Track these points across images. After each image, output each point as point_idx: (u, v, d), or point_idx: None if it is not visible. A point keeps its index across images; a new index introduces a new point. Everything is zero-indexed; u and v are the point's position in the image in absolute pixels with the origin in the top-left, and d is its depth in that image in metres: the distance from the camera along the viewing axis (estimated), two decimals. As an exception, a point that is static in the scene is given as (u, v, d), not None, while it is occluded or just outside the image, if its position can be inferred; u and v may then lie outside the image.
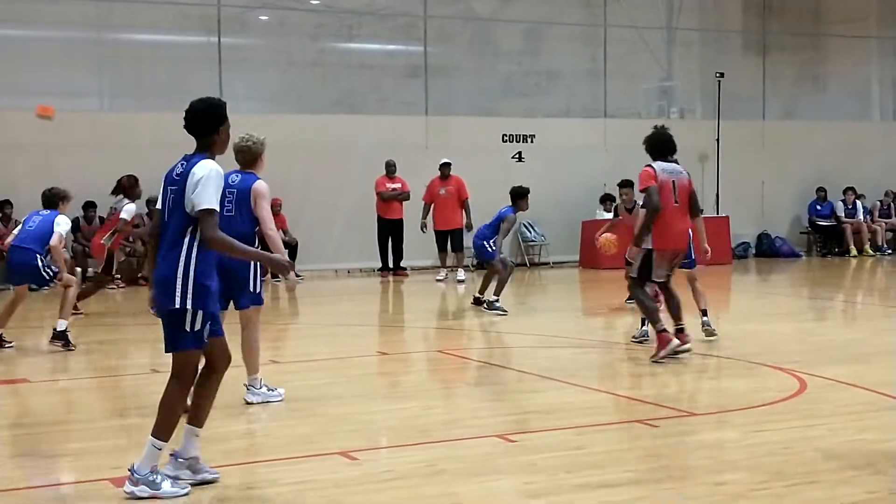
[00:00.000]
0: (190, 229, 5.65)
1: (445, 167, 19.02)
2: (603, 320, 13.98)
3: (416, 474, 6.12)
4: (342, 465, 6.39)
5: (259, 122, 19.86)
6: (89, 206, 18.39)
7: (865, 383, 8.69)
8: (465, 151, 19.81)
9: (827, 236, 23.88)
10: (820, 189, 23.70)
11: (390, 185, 19.42)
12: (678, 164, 10.28)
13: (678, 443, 7.03)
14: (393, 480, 6.03)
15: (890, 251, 23.87)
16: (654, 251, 9.94)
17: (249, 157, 8.04)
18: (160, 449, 5.72)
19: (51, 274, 11.14)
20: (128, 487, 5.66)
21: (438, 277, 19.05)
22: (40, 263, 11.06)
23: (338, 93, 20.66)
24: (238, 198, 7.83)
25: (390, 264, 19.79)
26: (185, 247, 5.64)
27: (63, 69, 19.04)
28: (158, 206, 5.86)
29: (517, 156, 21.72)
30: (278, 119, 19.63)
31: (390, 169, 19.50)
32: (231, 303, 7.95)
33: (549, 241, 21.77)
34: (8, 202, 18.18)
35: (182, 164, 5.79)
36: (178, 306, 5.64)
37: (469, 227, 19.15)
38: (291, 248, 18.46)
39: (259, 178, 7.98)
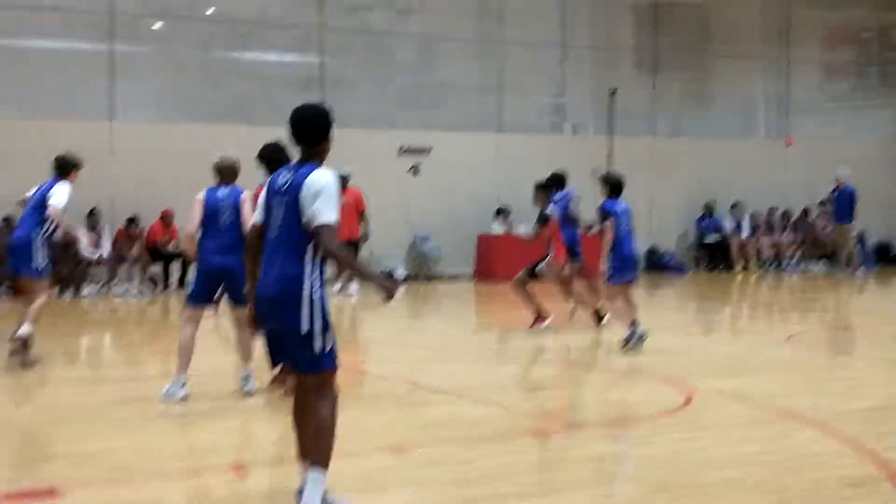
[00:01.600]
0: (310, 245, 5.34)
1: (342, 179, 18.98)
2: (496, 332, 14.09)
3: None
4: (230, 482, 6.34)
5: (150, 130, 19.70)
6: (-27, 214, 17.91)
7: (748, 396, 8.92)
8: (360, 164, 19.78)
9: (713, 251, 24.42)
10: (706, 205, 24.25)
11: (285, 197, 19.29)
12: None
13: (565, 456, 7.14)
14: (282, 495, 6.00)
15: (774, 266, 24.51)
16: None
17: (233, 172, 9.04)
18: (324, 476, 5.45)
19: (39, 267, 10.08)
20: None
21: (334, 289, 18.96)
22: (37, 241, 10.03)
23: (230, 103, 20.46)
24: (232, 209, 8.82)
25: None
26: (307, 265, 5.35)
27: (-54, 74, 18.53)
28: (258, 219, 5.57)
29: (413, 169, 21.79)
30: (170, 128, 19.42)
31: (285, 180, 19.37)
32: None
33: (444, 253, 21.85)
34: None
35: (288, 174, 5.44)
36: (305, 331, 5.35)
37: (366, 237, 19.14)
38: (178, 256, 18.24)
39: (243, 190, 8.92)
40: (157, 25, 20.69)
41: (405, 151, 21.56)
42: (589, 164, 22.31)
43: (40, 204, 10.17)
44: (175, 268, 18.88)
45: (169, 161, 18.51)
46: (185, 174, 18.21)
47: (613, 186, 11.97)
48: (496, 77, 23.06)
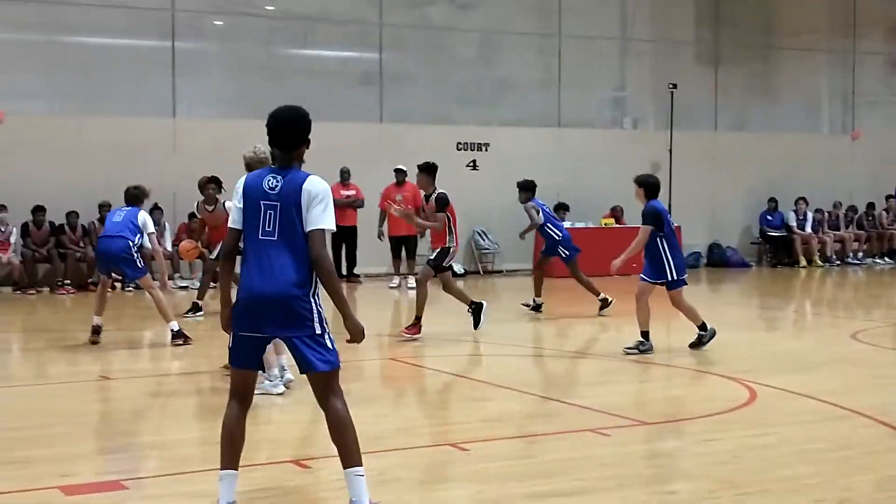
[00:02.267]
0: (306, 250, 5.31)
1: (400, 173, 19.04)
2: (555, 328, 14.03)
3: (368, 482, 6.08)
4: (294, 473, 6.36)
5: (212, 127, 19.85)
6: (38, 210, 18.19)
7: (814, 393, 8.79)
8: (419, 159, 19.66)
9: (777, 247, 24.13)
10: (771, 199, 23.96)
11: (344, 192, 19.38)
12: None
13: (629, 452, 7.07)
14: (345, 489, 5.99)
15: (838, 262, 24.17)
16: None
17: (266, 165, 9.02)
18: (364, 475, 5.40)
19: (141, 265, 11.86)
20: None
21: (391, 285, 19.04)
22: (133, 250, 11.78)
23: (291, 99, 20.07)
24: None
25: (344, 271, 19.75)
26: (308, 268, 5.31)
27: (12, 71, 18.78)
28: (236, 223, 5.42)
29: (472, 164, 21.77)
30: (231, 124, 19.54)
31: (344, 176, 19.48)
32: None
33: (502, 249, 21.81)
34: (-44, 205, 17.95)
35: (275, 179, 5.36)
36: (319, 332, 5.35)
37: (422, 233, 19.15)
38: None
39: None
40: (219, 22, 20.86)
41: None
42: (649, 160, 22.21)
43: (129, 225, 11.80)
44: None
45: (230, 157, 18.47)
46: (246, 170, 18.41)
47: (653, 187, 11.31)
48: (556, 71, 22.96)
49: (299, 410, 8.23)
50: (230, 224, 5.49)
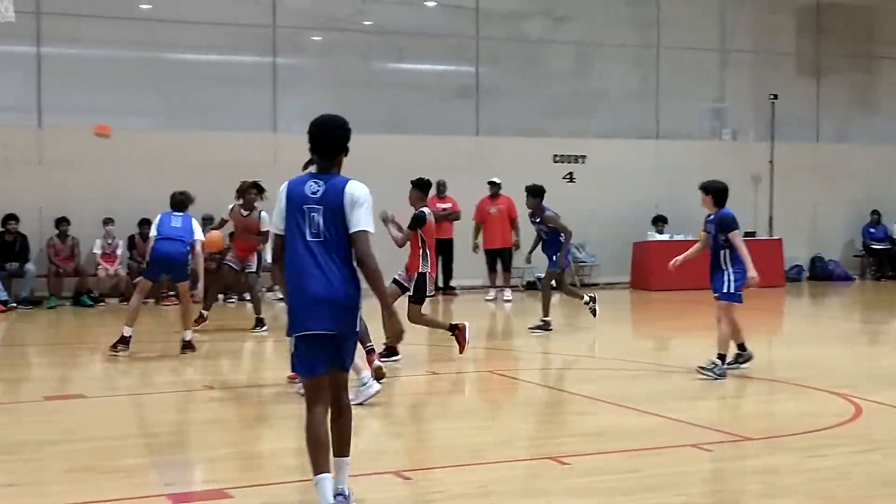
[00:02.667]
0: (352, 251, 5.52)
1: (494, 186, 19.09)
2: (654, 342, 13.92)
3: (468, 494, 6.12)
4: (395, 485, 6.41)
5: (311, 141, 20.15)
6: (144, 223, 18.60)
7: (922, 409, 8.59)
8: (515, 172, 19.80)
9: (881, 260, 23.62)
10: (874, 212, 23.47)
11: (440, 205, 19.47)
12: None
13: (732, 467, 6.99)
14: (445, 501, 6.03)
15: (945, 275, 23.57)
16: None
17: None
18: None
19: (189, 271, 12.22)
20: None
21: (488, 297, 19.06)
22: (189, 257, 12.16)
23: (389, 113, 20.76)
24: None
25: (440, 283, 19.83)
26: (353, 270, 5.52)
27: (120, 88, 19.31)
28: (279, 227, 5.61)
29: (568, 176, 21.72)
30: (330, 139, 19.81)
31: (441, 189, 19.57)
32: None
33: (600, 261, 21.71)
34: (65, 219, 18.46)
35: (317, 184, 5.58)
36: (358, 329, 5.62)
37: (517, 245, 19.17)
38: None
39: None
40: (318, 38, 21.17)
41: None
42: (749, 172, 21.93)
43: (189, 231, 12.15)
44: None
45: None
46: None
47: (722, 194, 10.64)
48: (653, 83, 22.81)
49: (401, 422, 8.30)
50: (273, 230, 5.70)
